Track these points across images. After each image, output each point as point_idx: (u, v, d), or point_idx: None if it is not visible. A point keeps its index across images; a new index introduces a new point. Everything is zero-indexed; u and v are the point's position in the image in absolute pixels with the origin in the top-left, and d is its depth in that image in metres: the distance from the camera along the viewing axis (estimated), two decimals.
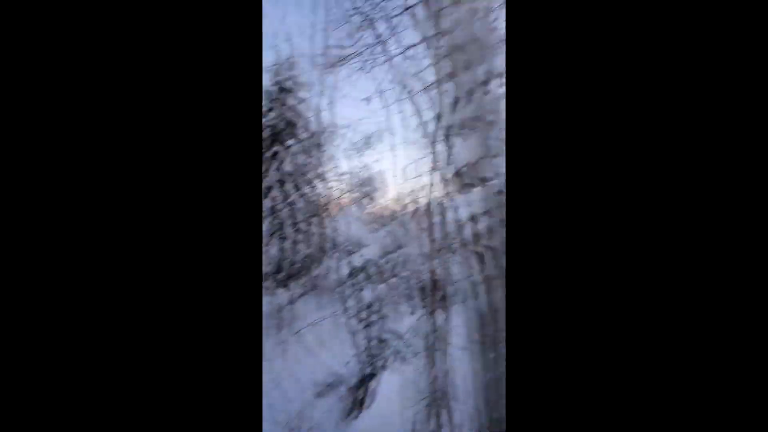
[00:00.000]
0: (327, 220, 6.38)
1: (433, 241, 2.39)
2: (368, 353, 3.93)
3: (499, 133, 1.88)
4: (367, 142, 7.96)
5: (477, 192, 2.13)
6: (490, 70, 1.88)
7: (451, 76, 2.23)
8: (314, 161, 7.34)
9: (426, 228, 2.42)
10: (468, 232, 2.24)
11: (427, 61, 2.40)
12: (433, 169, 2.32)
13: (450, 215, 2.36)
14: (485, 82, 1.90)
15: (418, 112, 2.91)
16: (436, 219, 2.45)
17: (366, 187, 8.99)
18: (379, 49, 3.88)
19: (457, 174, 2.27)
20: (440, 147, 2.44)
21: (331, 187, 7.27)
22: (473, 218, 2.23)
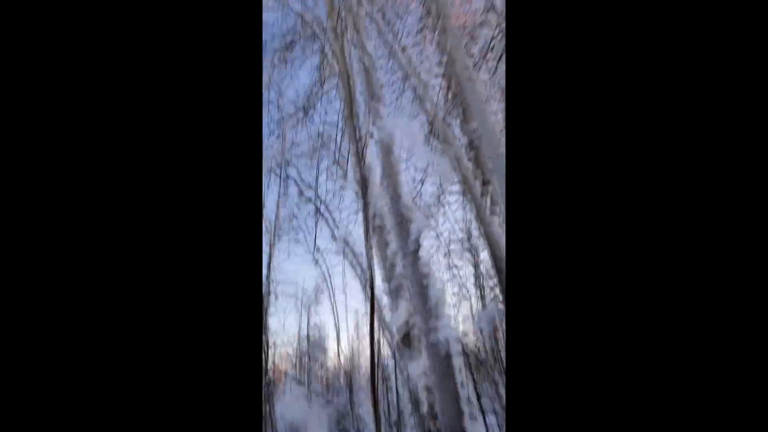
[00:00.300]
0: (270, 397, 5.55)
1: (380, 418, 2.08)
2: None
3: (437, 292, 1.90)
4: (310, 303, 7.69)
5: (425, 357, 2.00)
6: (418, 238, 2.01)
7: (387, 241, 2.36)
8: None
9: (374, 402, 2.14)
10: (423, 406, 1.99)
11: (362, 227, 2.56)
12: (375, 332, 2.20)
13: (399, 384, 2.14)
14: (417, 247, 2.00)
15: (360, 275, 2.95)
16: (384, 389, 2.21)
17: (309, 352, 8.17)
18: (320, 217, 4.22)
19: (404, 337, 2.16)
20: (383, 309, 2.39)
21: (273, 354, 6.61)
22: (427, 388, 2.03)
